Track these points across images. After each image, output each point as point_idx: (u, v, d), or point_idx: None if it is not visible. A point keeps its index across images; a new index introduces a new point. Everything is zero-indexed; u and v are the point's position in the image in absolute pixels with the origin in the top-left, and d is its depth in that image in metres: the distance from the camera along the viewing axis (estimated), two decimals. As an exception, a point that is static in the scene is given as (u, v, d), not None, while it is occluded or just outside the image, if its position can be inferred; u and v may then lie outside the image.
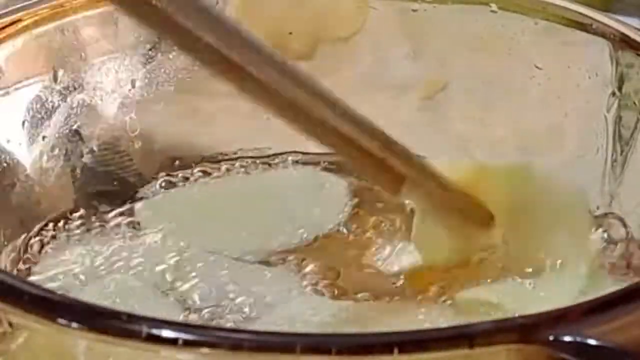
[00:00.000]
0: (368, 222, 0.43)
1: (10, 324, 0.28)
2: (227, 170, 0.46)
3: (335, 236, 0.42)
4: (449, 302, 0.38)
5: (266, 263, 0.40)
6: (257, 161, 0.47)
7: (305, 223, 0.42)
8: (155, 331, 0.26)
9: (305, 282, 0.39)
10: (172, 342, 0.26)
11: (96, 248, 0.41)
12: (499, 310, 0.36)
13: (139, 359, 0.28)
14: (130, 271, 0.39)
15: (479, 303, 0.37)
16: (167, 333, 0.26)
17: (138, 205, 0.43)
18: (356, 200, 0.44)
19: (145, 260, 0.40)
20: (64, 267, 0.39)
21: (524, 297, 0.37)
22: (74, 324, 0.27)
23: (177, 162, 0.46)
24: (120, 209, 0.43)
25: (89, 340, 0.28)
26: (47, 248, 0.41)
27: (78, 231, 0.42)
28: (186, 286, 0.39)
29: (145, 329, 0.26)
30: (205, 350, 0.26)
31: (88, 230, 0.42)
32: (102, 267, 0.39)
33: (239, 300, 0.38)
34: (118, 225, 0.42)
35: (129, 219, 0.43)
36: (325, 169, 0.46)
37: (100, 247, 0.41)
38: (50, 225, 0.42)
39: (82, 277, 0.39)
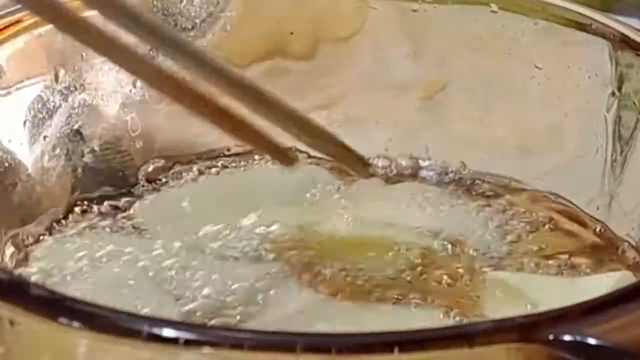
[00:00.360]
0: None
1: (11, 324, 0.28)
2: (224, 167, 0.46)
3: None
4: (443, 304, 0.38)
5: (264, 261, 0.40)
6: (257, 158, 0.47)
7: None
8: (156, 330, 0.26)
9: (304, 281, 0.39)
10: (173, 341, 0.26)
11: (96, 247, 0.41)
12: (520, 298, 0.37)
13: (140, 358, 0.28)
14: (129, 269, 0.39)
15: (503, 285, 0.38)
16: (167, 332, 0.26)
17: (138, 204, 0.44)
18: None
19: (144, 258, 0.40)
20: (64, 266, 0.40)
21: (550, 291, 0.38)
22: (75, 324, 0.27)
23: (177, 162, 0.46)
24: (121, 208, 0.43)
25: (90, 340, 0.28)
26: (47, 247, 0.41)
27: (78, 230, 0.42)
28: (184, 283, 0.39)
29: (146, 329, 0.26)
30: (206, 349, 0.26)
31: (88, 229, 0.42)
32: (101, 266, 0.40)
33: (236, 297, 0.38)
34: (118, 224, 0.42)
35: (130, 218, 0.43)
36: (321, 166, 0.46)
37: (100, 245, 0.41)
38: (51, 224, 0.42)
39: (81, 275, 0.39)
